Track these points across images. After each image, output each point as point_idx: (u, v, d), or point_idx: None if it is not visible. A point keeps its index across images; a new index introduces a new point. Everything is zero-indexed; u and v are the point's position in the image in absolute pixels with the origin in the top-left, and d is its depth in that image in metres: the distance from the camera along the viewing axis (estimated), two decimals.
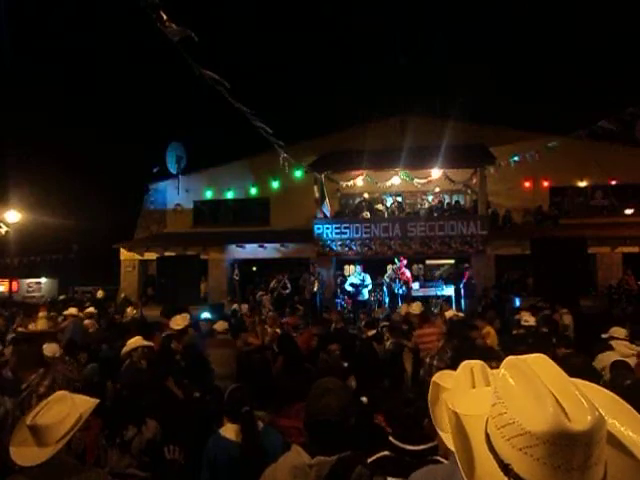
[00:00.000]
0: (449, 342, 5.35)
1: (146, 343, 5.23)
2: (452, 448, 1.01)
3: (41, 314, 8.48)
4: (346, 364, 4.88)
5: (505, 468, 0.89)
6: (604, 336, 5.45)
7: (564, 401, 0.86)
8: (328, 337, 6.52)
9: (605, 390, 0.99)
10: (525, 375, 0.92)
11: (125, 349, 5.17)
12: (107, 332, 8.30)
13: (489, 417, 0.96)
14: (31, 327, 7.53)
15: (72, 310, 9.15)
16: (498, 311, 9.84)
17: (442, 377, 1.31)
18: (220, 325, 7.19)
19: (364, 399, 3.70)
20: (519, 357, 0.98)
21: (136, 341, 5.23)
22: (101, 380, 4.88)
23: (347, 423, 1.99)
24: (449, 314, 7.62)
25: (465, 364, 1.30)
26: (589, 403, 0.86)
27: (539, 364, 0.95)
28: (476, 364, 1.28)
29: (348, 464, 1.86)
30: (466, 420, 1.02)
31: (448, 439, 1.03)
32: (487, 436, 0.95)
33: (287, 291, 16.19)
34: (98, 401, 2.41)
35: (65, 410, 2.21)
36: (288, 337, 6.33)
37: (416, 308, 8.32)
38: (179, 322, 6.56)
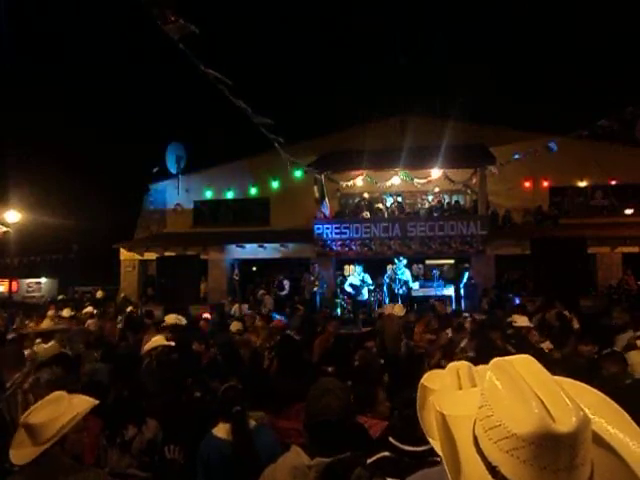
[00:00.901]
0: (471, 342, 5.32)
1: (167, 343, 5.15)
2: (439, 452, 1.01)
3: (50, 313, 8.51)
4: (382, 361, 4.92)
5: (493, 470, 0.90)
6: (638, 333, 5.51)
7: (549, 402, 0.87)
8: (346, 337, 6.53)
9: (592, 389, 1.00)
10: (510, 376, 0.92)
11: (146, 348, 5.10)
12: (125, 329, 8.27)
13: (477, 419, 0.96)
14: (31, 326, 7.54)
15: (65, 312, 9.08)
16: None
17: (429, 378, 1.30)
18: (235, 325, 7.21)
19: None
20: (505, 358, 0.98)
21: (157, 340, 5.16)
22: (110, 379, 4.84)
23: (347, 423, 1.99)
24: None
25: (451, 365, 1.28)
26: (574, 404, 0.87)
27: (524, 365, 0.95)
28: (462, 365, 1.27)
29: (347, 465, 1.86)
30: (453, 421, 1.02)
31: (437, 445, 1.03)
32: (475, 438, 0.96)
33: (284, 292, 16.18)
34: (97, 402, 2.41)
35: (59, 409, 2.22)
36: (289, 339, 6.29)
37: (398, 309, 8.39)
38: (170, 321, 6.50)
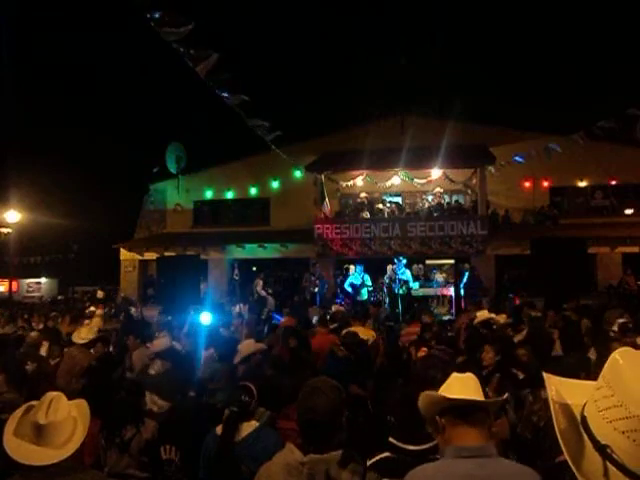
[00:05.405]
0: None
1: (260, 346, 4.93)
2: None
3: (99, 312, 8.45)
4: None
5: (601, 449, 0.92)
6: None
7: None
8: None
9: None
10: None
11: (242, 355, 4.74)
12: None
13: (589, 401, 0.99)
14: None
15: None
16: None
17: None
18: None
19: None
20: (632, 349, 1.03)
21: (249, 345, 4.86)
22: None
23: (337, 422, 2.01)
24: (482, 315, 7.41)
25: (460, 376, 1.30)
26: None
27: None
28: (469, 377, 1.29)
29: (341, 461, 1.91)
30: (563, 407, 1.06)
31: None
32: (583, 419, 0.99)
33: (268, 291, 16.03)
34: (84, 401, 2.36)
35: (72, 410, 2.18)
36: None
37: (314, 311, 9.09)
38: (83, 335, 5.58)
